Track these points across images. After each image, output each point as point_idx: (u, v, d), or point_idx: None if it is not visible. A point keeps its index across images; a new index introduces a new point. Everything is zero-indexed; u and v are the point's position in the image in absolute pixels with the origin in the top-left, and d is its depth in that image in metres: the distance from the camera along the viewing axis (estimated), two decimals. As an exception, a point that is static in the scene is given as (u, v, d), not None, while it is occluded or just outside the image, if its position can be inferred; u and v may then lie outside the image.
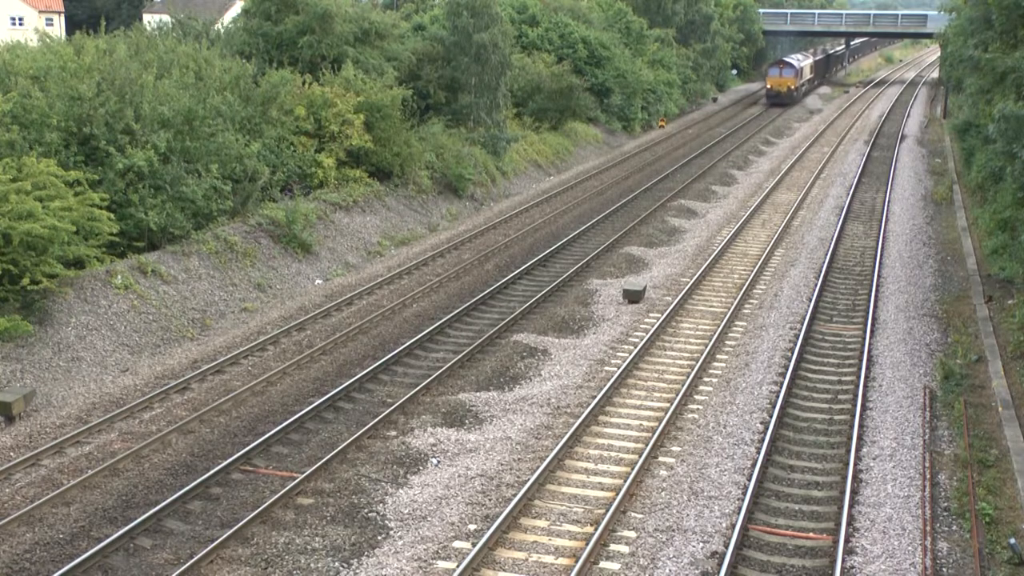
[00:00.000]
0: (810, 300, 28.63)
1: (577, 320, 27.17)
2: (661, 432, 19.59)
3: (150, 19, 66.09)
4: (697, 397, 21.95)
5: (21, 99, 25.62)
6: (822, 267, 32.23)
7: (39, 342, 22.17)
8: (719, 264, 33.05)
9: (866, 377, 22.93)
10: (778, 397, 21.31)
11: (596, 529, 15.97)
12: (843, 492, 17.42)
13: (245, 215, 30.61)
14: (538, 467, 18.12)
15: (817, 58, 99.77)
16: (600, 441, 19.67)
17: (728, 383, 22.72)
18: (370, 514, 16.90)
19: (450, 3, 45.79)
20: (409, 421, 20.62)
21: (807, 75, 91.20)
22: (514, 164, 47.24)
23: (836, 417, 21.02)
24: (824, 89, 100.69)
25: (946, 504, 17.50)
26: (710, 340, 25.11)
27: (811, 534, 16.46)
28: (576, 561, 15.15)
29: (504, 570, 15.20)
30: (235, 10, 67.93)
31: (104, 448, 19.10)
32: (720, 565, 15.14)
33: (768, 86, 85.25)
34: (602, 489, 17.73)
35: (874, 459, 18.97)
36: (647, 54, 70.18)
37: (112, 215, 24.83)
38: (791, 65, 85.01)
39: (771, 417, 20.38)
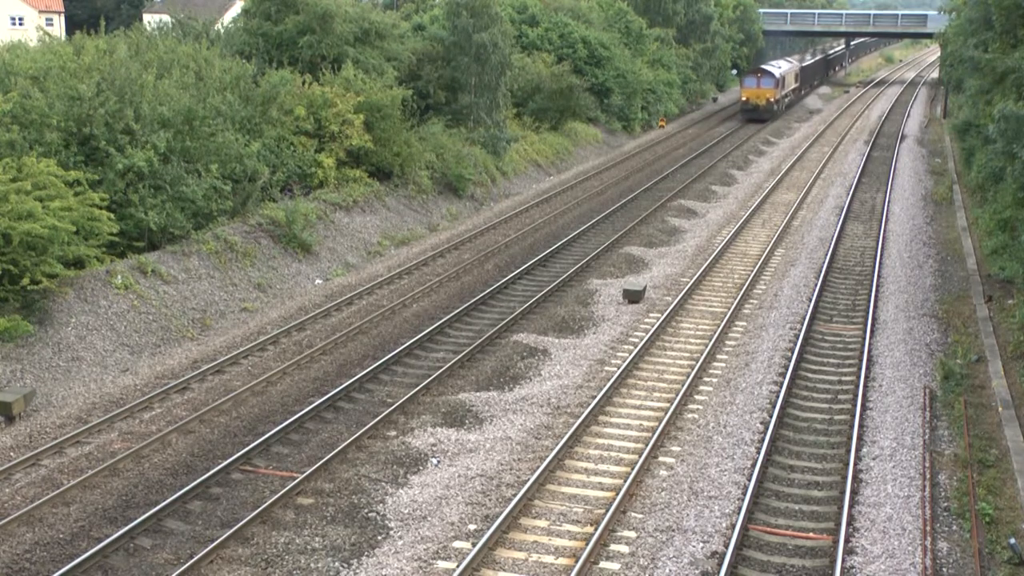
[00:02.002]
0: (810, 300, 28.63)
1: (577, 320, 27.16)
2: (661, 432, 19.59)
3: (150, 19, 66.09)
4: (697, 397, 21.95)
5: (21, 99, 25.62)
6: (822, 267, 32.22)
7: (39, 342, 22.17)
8: (719, 264, 33.04)
9: (866, 377, 22.93)
10: (778, 397, 21.31)
11: (596, 529, 15.97)
12: (843, 492, 17.43)
13: (245, 215, 30.61)
14: (538, 467, 18.13)
15: (805, 63, 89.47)
16: (600, 441, 19.67)
17: (728, 383, 22.72)
18: (370, 514, 16.90)
19: (450, 3, 45.80)
20: (409, 421, 20.62)
21: (790, 84, 79.16)
22: (514, 164, 47.23)
23: (836, 417, 21.02)
24: (824, 89, 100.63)
25: (946, 504, 17.50)
26: (710, 340, 25.12)
27: (811, 534, 16.46)
28: (576, 561, 15.15)
29: (504, 570, 15.20)
30: (235, 10, 67.93)
31: (104, 448, 19.10)
32: (720, 565, 15.14)
33: (743, 98, 73.03)
34: (602, 489, 17.73)
35: (874, 459, 18.97)
36: (647, 54, 70.15)
37: (112, 215, 24.84)
38: (770, 74, 72.90)
39: (771, 417, 20.38)
